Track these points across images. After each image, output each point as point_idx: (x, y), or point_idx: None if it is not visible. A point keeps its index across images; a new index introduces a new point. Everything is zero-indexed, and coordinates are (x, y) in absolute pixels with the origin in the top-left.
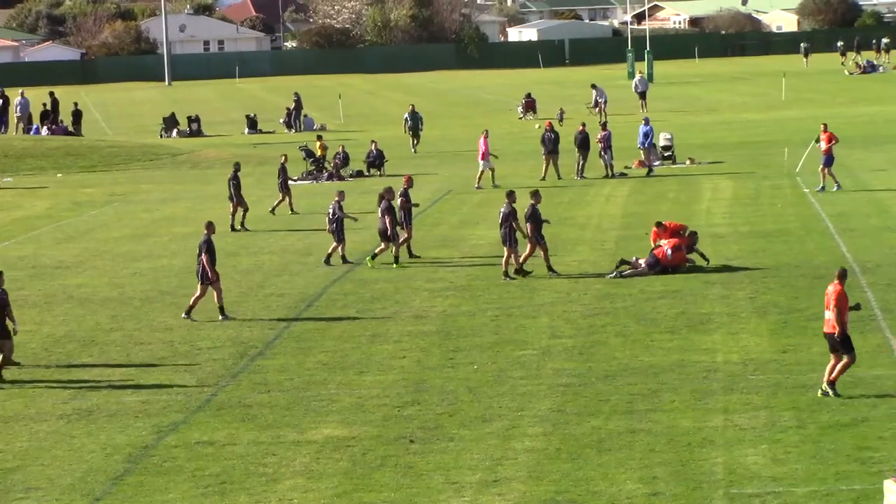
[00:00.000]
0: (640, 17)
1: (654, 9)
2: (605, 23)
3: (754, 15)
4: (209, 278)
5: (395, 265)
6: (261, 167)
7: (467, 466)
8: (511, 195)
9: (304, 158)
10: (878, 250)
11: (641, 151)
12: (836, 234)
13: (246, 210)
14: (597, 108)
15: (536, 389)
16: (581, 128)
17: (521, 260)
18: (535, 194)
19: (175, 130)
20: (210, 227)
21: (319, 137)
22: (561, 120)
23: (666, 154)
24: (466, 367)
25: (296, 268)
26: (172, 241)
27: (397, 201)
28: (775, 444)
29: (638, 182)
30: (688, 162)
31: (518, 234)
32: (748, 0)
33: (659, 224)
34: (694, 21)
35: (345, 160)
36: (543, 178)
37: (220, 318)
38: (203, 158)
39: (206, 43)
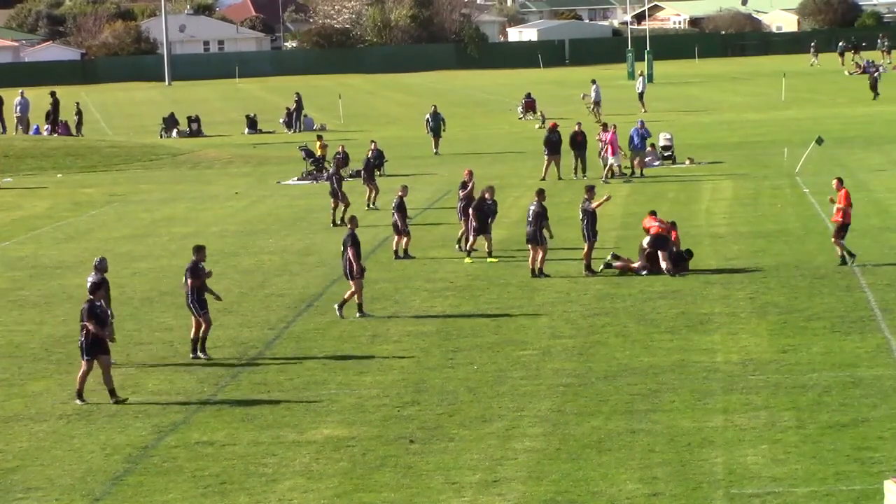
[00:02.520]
0: (640, 18)
1: (654, 9)
2: (605, 23)
3: (754, 15)
4: (356, 273)
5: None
6: (261, 167)
7: (467, 466)
8: (541, 193)
9: (304, 158)
10: (877, 250)
11: (632, 153)
12: None
13: (347, 206)
14: (597, 107)
15: (536, 390)
16: (577, 127)
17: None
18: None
19: (175, 130)
20: (353, 221)
21: (320, 137)
22: (543, 122)
23: (666, 154)
24: (466, 368)
25: (296, 268)
26: (172, 241)
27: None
28: (775, 445)
29: (638, 182)
30: (687, 162)
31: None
32: (748, 0)
33: (653, 213)
34: (694, 21)
35: (345, 160)
36: (543, 178)
37: (358, 314)
38: (203, 158)
39: (206, 43)
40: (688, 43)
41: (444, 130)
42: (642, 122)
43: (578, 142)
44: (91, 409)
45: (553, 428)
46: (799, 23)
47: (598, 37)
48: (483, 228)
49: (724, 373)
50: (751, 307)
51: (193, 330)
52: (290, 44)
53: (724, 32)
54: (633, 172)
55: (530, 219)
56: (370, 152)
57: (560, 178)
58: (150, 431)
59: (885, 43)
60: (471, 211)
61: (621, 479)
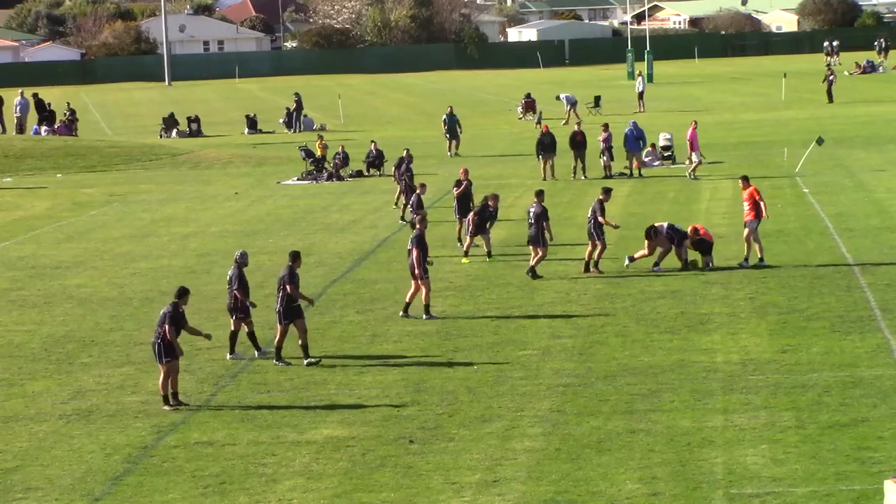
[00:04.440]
0: (639, 18)
1: (654, 9)
2: (605, 23)
3: (754, 15)
4: (420, 273)
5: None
6: (260, 167)
7: (467, 467)
8: (540, 195)
9: (304, 158)
10: (877, 250)
11: (627, 153)
12: (835, 234)
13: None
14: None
15: (536, 390)
16: (577, 128)
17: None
18: (606, 191)
19: (175, 131)
20: (422, 222)
21: (320, 137)
22: (539, 121)
23: (666, 154)
24: (466, 368)
25: None
26: (172, 241)
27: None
28: (775, 445)
29: (637, 182)
30: (687, 162)
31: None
32: (748, 0)
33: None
34: (694, 21)
35: (344, 160)
36: (544, 179)
37: (424, 316)
38: (203, 159)
39: (206, 43)
40: (688, 43)
41: (460, 132)
42: (634, 123)
43: (578, 142)
44: (91, 410)
45: (553, 428)
46: (799, 23)
47: (597, 37)
48: (480, 230)
49: (723, 373)
50: (750, 307)
51: (279, 337)
52: (290, 44)
53: (723, 32)
54: (630, 173)
55: (531, 220)
56: (405, 152)
57: (555, 179)
58: (150, 431)
59: (884, 44)
60: (471, 216)
61: (621, 479)
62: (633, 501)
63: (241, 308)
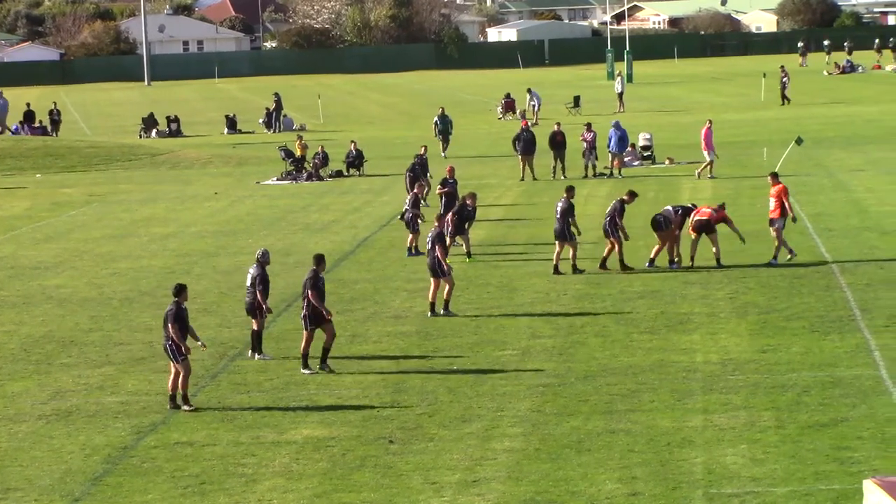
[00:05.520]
0: (619, 18)
1: (634, 9)
2: (585, 23)
3: (733, 15)
4: (446, 270)
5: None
6: (240, 167)
7: (447, 467)
8: (570, 190)
9: (284, 158)
10: (856, 250)
11: (610, 155)
12: (814, 234)
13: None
14: (576, 109)
15: (516, 390)
16: (556, 127)
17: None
18: (631, 194)
19: (154, 131)
20: (440, 219)
21: (300, 137)
22: (523, 118)
23: (645, 154)
24: (446, 368)
25: (276, 268)
26: (152, 241)
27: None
28: (754, 444)
29: (617, 183)
30: (667, 162)
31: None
32: (727, 0)
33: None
34: (673, 21)
35: (324, 160)
36: (522, 179)
37: (443, 312)
38: (182, 159)
39: (186, 43)
40: (667, 43)
41: (451, 133)
42: (617, 123)
43: (558, 142)
44: (70, 410)
45: (533, 428)
46: (778, 23)
47: (577, 37)
48: (459, 230)
49: (703, 373)
50: (730, 307)
51: (304, 343)
52: (270, 44)
53: (703, 33)
54: (611, 173)
55: (558, 215)
56: (422, 150)
57: (535, 179)
58: (130, 432)
59: (847, 44)
60: (450, 216)
61: (601, 478)
62: (612, 501)
63: (260, 307)
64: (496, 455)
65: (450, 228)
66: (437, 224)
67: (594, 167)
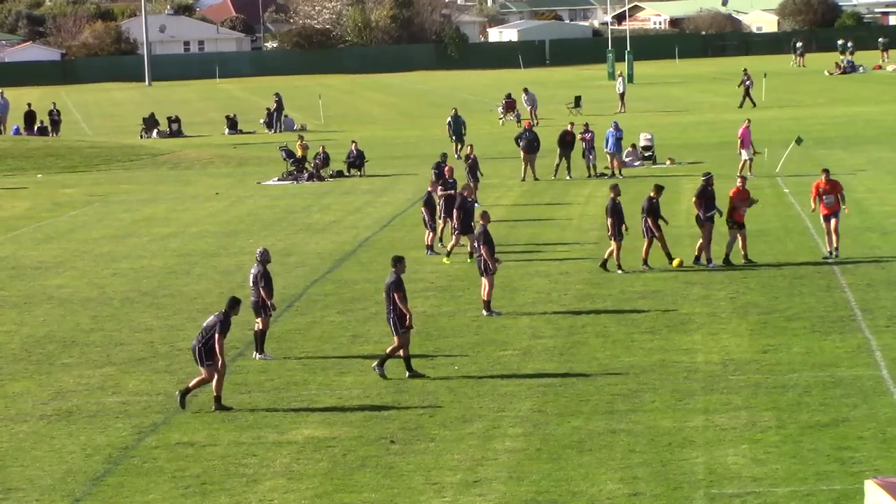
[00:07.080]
0: (620, 18)
1: (635, 9)
2: (586, 23)
3: (734, 15)
4: (491, 269)
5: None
6: (241, 168)
7: (448, 467)
8: (615, 188)
9: (285, 159)
10: (857, 250)
11: (609, 155)
12: (815, 234)
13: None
14: (577, 109)
15: (517, 390)
16: (569, 127)
17: (609, 255)
18: (657, 189)
19: (155, 131)
20: (485, 216)
21: (301, 137)
22: (518, 121)
23: (646, 154)
24: (447, 368)
25: (276, 268)
26: (153, 241)
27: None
28: (755, 445)
29: (618, 183)
30: (668, 162)
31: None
32: (728, 1)
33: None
34: (674, 22)
35: (325, 160)
36: (523, 180)
37: (485, 313)
38: (183, 159)
39: (187, 43)
40: (668, 43)
41: (464, 134)
42: (616, 124)
43: (567, 142)
44: (71, 410)
45: (534, 428)
46: (779, 23)
47: (578, 37)
48: (466, 229)
49: (704, 373)
50: (731, 307)
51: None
52: (271, 44)
53: (704, 33)
54: (612, 173)
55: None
56: (469, 150)
57: (536, 179)
58: (131, 432)
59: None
60: (454, 211)
61: (602, 479)
62: (613, 501)
63: (265, 305)
64: (497, 455)
65: (456, 225)
66: (482, 221)
67: (594, 167)
